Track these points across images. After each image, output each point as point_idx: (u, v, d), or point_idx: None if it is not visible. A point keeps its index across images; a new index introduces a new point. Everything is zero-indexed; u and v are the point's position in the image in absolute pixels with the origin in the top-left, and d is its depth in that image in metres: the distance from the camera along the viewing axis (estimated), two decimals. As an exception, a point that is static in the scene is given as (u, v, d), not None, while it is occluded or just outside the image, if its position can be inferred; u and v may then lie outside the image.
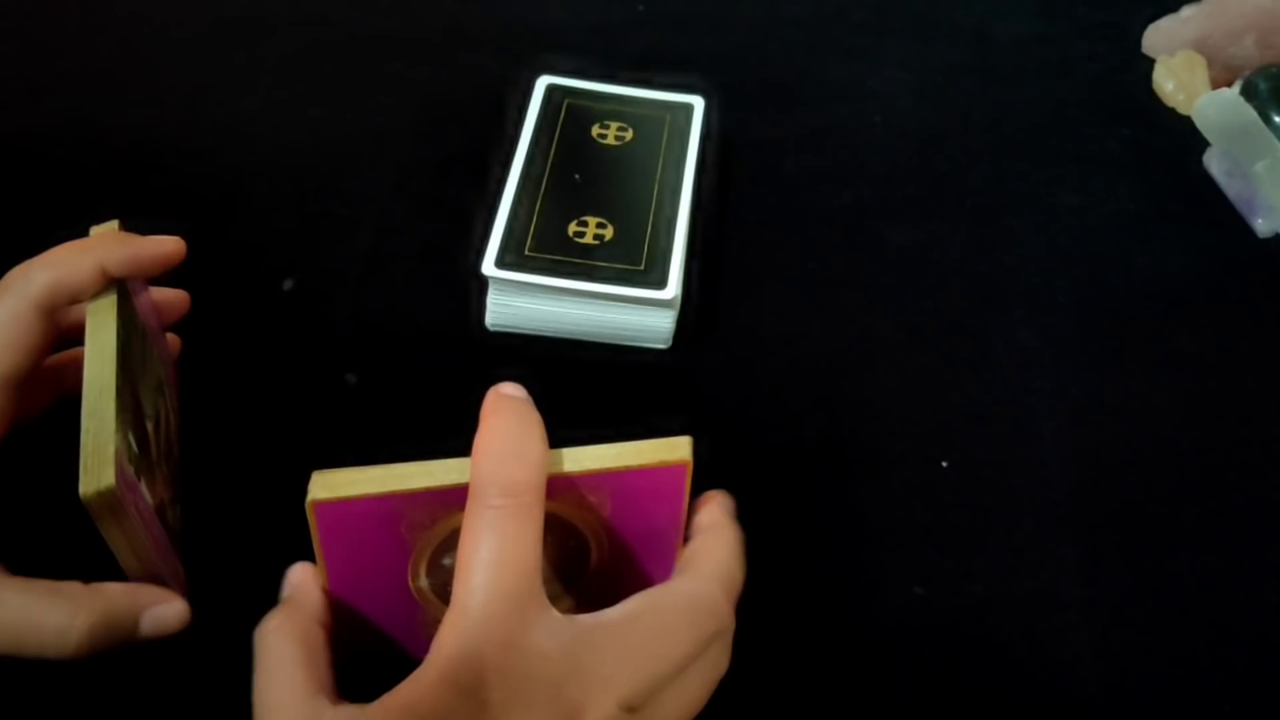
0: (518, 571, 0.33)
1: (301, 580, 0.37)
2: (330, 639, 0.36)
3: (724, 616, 0.36)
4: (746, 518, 0.41)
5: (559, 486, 0.35)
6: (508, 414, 0.35)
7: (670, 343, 0.54)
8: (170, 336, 0.49)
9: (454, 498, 0.34)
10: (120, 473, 0.36)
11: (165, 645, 0.41)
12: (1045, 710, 0.44)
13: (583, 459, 0.35)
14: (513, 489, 0.33)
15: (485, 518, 0.33)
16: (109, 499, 0.36)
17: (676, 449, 0.35)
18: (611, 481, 0.35)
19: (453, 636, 0.32)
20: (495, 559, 0.33)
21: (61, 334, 0.44)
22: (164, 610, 0.39)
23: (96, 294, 0.41)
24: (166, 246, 0.43)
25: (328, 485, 0.33)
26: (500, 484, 0.33)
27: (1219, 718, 0.44)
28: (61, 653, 0.37)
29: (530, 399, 0.36)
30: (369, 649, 0.39)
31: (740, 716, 0.42)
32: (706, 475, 0.38)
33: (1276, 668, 0.45)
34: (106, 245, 0.41)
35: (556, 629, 0.33)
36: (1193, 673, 0.45)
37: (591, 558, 0.38)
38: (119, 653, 0.41)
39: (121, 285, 0.42)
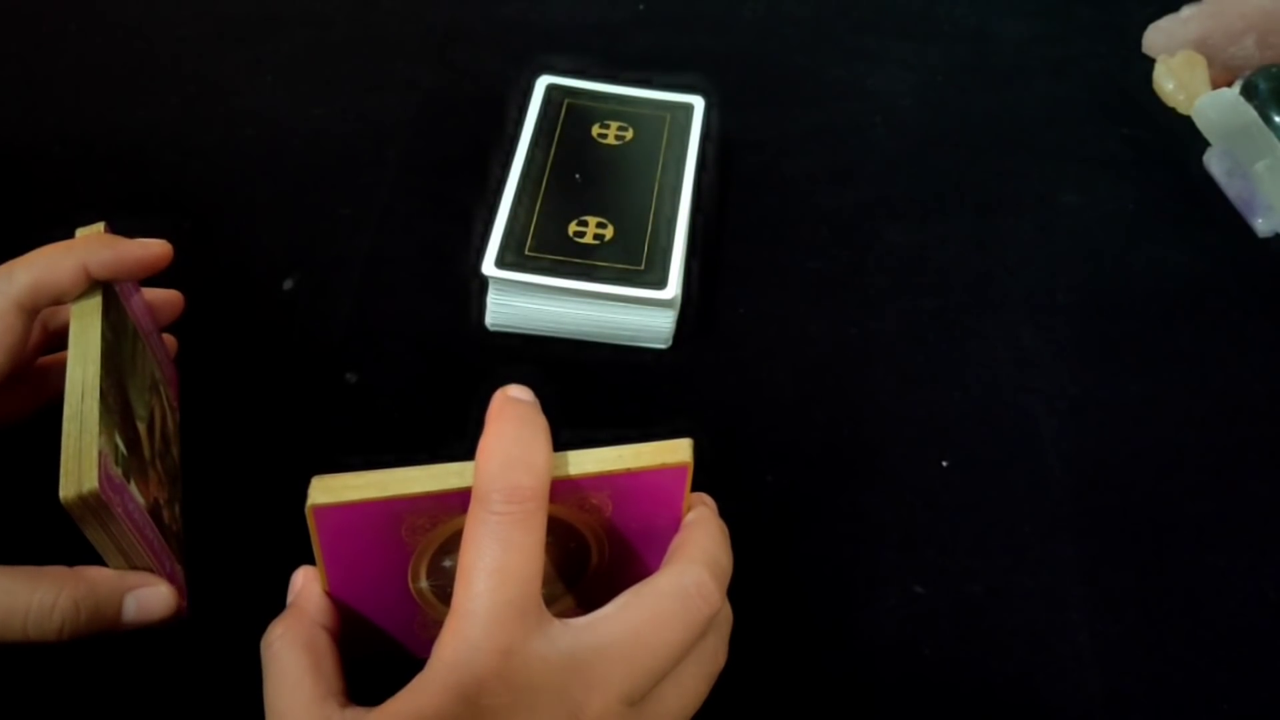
0: (519, 579, 0.33)
1: (304, 585, 0.37)
2: (336, 642, 0.36)
3: (714, 600, 0.35)
4: (746, 517, 0.41)
5: (561, 489, 0.35)
6: (514, 418, 0.34)
7: (670, 343, 0.54)
8: (166, 336, 0.49)
9: (455, 501, 0.34)
10: (104, 475, 0.36)
11: (168, 644, 0.41)
12: (1045, 710, 0.44)
13: (585, 462, 0.35)
14: (516, 496, 0.33)
15: (488, 524, 0.33)
16: (91, 502, 0.35)
17: (677, 451, 0.35)
18: (613, 484, 0.35)
19: (454, 643, 0.32)
20: (497, 566, 0.33)
21: (50, 336, 0.44)
22: (148, 594, 0.39)
23: (81, 295, 0.41)
24: (151, 249, 0.43)
25: (327, 490, 0.33)
26: (504, 490, 0.33)
27: (1219, 717, 0.44)
28: (44, 634, 0.37)
29: (537, 402, 0.35)
30: (370, 650, 0.39)
31: (740, 715, 0.42)
32: (707, 475, 0.38)
33: (1276, 668, 0.45)
34: (90, 247, 0.41)
35: (555, 634, 0.33)
36: (1193, 673, 0.45)
37: (592, 559, 0.38)
38: (121, 652, 0.41)
39: (108, 287, 0.42)
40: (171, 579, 0.41)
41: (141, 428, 0.42)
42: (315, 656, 0.35)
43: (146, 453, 0.42)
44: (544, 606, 0.34)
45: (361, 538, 0.35)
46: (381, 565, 0.36)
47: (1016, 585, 0.47)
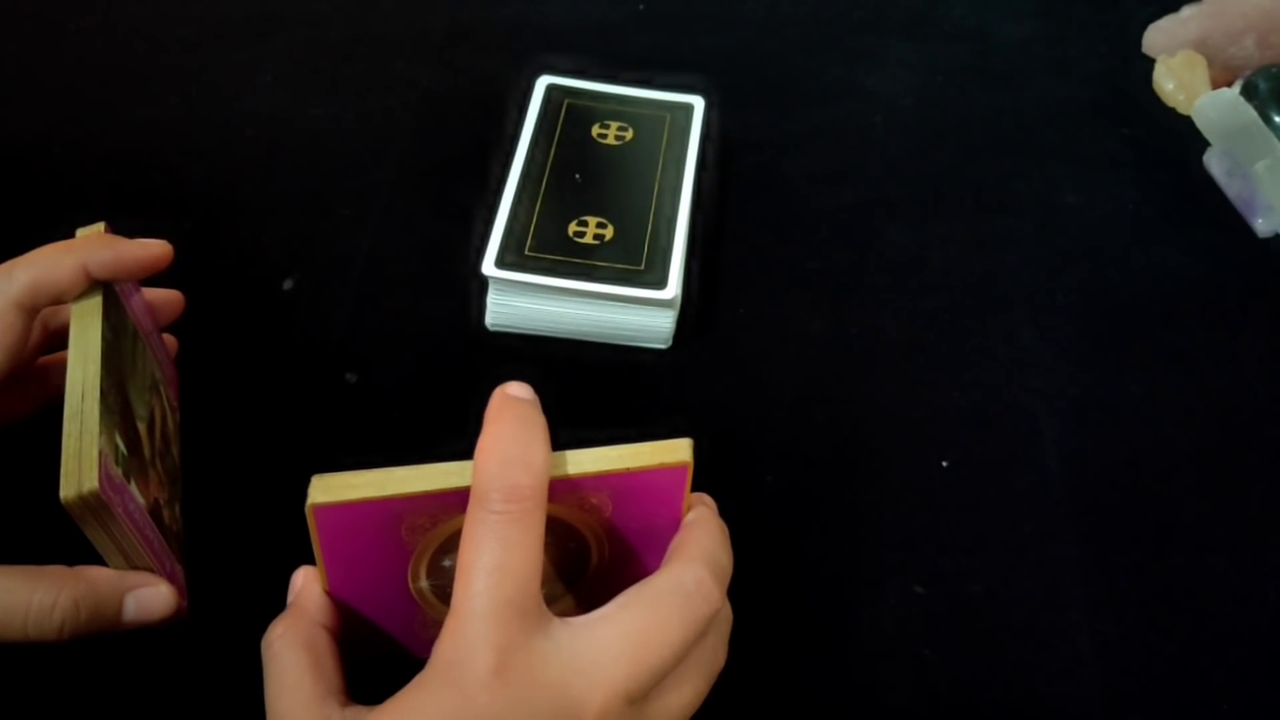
0: (519, 578, 0.33)
1: (304, 585, 0.37)
2: (336, 641, 0.36)
3: (714, 599, 0.35)
4: (746, 517, 0.41)
5: (560, 489, 0.35)
6: (512, 417, 0.34)
7: (670, 343, 0.54)
8: (167, 337, 0.49)
9: (454, 501, 0.34)
10: (104, 475, 0.36)
11: (168, 644, 0.41)
12: (1045, 710, 0.44)
13: (584, 461, 0.35)
14: (515, 494, 0.33)
15: (487, 523, 0.33)
16: (91, 502, 0.35)
17: (677, 451, 0.36)
18: (613, 483, 0.35)
19: (454, 642, 0.32)
20: (496, 565, 0.33)
21: (50, 336, 0.44)
22: (148, 594, 0.39)
23: (81, 295, 0.41)
24: (152, 250, 0.43)
25: (327, 489, 0.33)
26: (503, 489, 0.33)
27: (1219, 717, 0.44)
28: (45, 634, 0.37)
29: (536, 400, 0.36)
30: (370, 650, 0.39)
31: (740, 715, 0.42)
32: (706, 474, 0.38)
33: (1277, 668, 0.45)
34: (90, 246, 0.41)
35: (556, 633, 0.33)
36: (1193, 673, 0.45)
37: (592, 558, 0.38)
38: (121, 652, 0.41)
39: (108, 287, 0.42)
40: (172, 579, 0.41)
41: (142, 428, 0.42)
42: (315, 656, 0.35)
43: (147, 453, 0.42)
44: (544, 605, 0.34)
45: (361, 537, 0.35)
46: (381, 565, 0.36)
47: (1016, 585, 0.47)
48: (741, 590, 0.38)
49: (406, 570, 0.37)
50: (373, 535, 0.35)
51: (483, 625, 0.32)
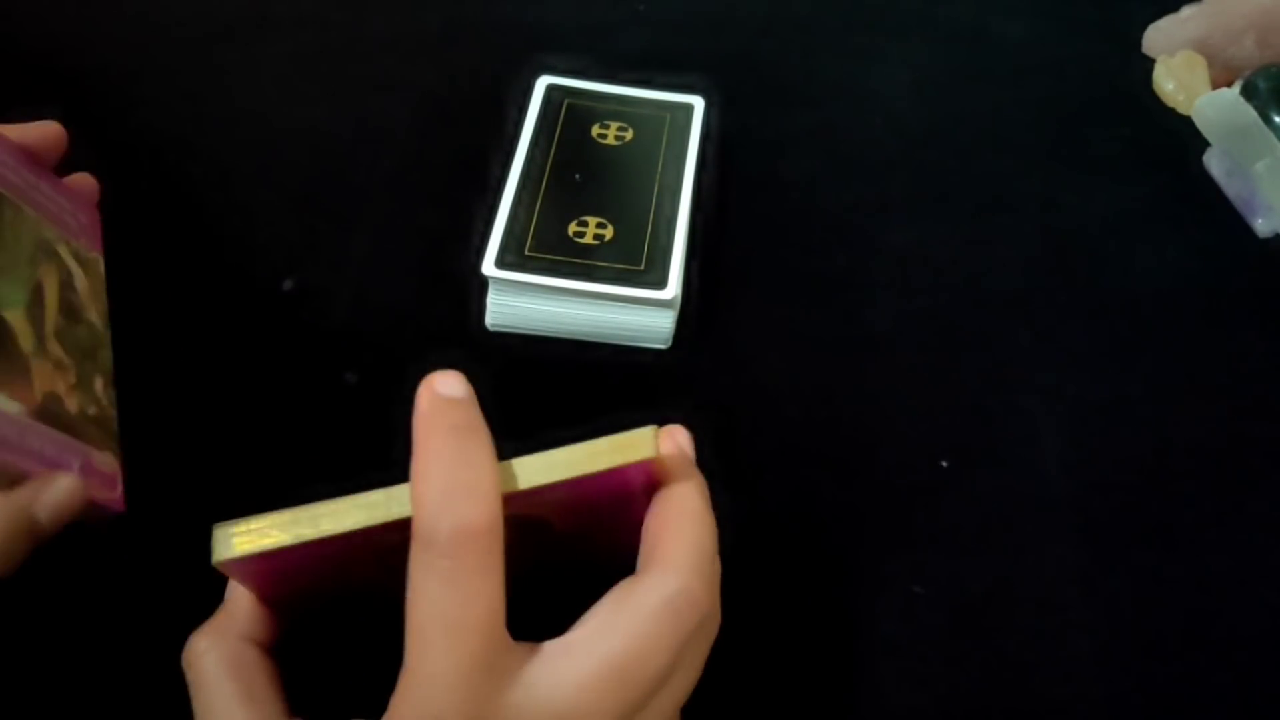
0: (482, 630, 0.28)
1: (231, 590, 0.34)
2: (269, 654, 0.33)
3: (704, 607, 0.32)
4: (746, 517, 0.41)
5: (508, 501, 0.30)
6: (447, 430, 0.29)
7: (670, 343, 0.54)
8: (81, 176, 0.44)
9: (383, 533, 0.30)
10: None
11: (166, 649, 0.41)
12: (1045, 710, 0.44)
13: (534, 471, 0.30)
14: (467, 533, 0.28)
15: (437, 571, 0.28)
16: None
17: (639, 447, 0.31)
18: (569, 489, 0.31)
19: (412, 711, 0.28)
20: (455, 619, 0.28)
21: None
22: (52, 495, 0.36)
23: None
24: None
25: (229, 545, 0.30)
26: (450, 529, 0.28)
27: (1219, 718, 0.44)
28: None
29: (471, 395, 0.31)
30: (322, 604, 0.36)
31: (740, 715, 0.42)
32: (706, 475, 0.38)
33: (1276, 668, 0.45)
34: None
35: (531, 679, 0.29)
36: (1193, 673, 0.45)
37: (554, 529, 0.35)
38: (119, 654, 0.41)
39: None
40: (86, 471, 0.37)
41: (16, 314, 0.37)
42: (244, 681, 0.32)
43: (27, 344, 0.37)
44: (511, 643, 0.30)
45: (284, 576, 0.32)
46: (316, 579, 0.33)
47: (1016, 585, 0.47)
48: (741, 591, 0.38)
49: (349, 572, 0.33)
50: (296, 572, 0.32)
51: (448, 693, 0.28)
